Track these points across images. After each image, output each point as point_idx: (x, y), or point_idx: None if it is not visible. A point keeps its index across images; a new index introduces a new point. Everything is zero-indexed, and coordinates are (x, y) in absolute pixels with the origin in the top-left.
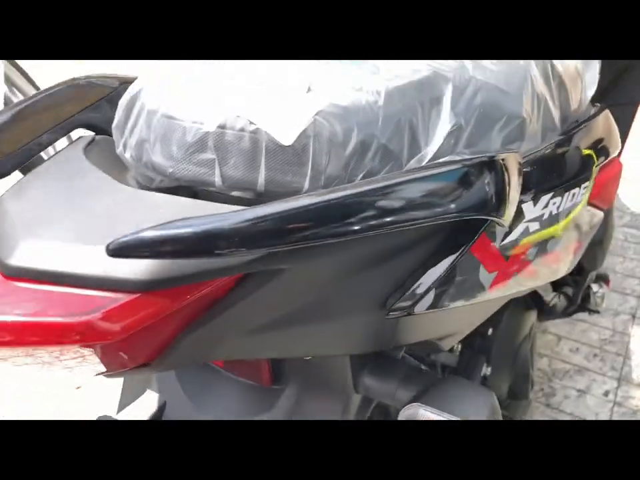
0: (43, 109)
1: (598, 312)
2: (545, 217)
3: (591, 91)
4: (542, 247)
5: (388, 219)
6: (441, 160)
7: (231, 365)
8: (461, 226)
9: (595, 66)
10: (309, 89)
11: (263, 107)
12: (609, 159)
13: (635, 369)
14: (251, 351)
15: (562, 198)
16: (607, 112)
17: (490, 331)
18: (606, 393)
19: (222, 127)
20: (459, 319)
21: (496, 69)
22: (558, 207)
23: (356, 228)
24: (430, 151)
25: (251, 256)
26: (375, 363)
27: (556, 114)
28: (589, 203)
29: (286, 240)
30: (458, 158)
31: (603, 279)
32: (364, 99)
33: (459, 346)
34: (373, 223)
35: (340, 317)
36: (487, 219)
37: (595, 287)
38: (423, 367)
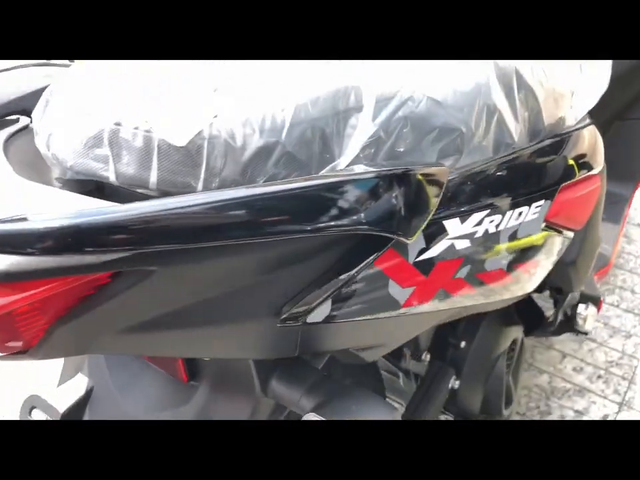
0: None
1: (585, 333)
2: (479, 235)
3: (590, 100)
4: (477, 265)
5: (263, 228)
6: (349, 169)
7: (152, 358)
8: (365, 239)
9: (599, 72)
10: (215, 90)
11: (162, 106)
12: (580, 177)
13: (639, 394)
14: (132, 347)
15: (502, 216)
16: (590, 128)
17: (463, 344)
18: (604, 417)
19: (118, 123)
20: (378, 331)
21: (442, 81)
22: (497, 226)
23: (225, 234)
24: (343, 161)
25: (113, 255)
26: (285, 369)
27: (516, 128)
28: (549, 222)
29: (131, 242)
30: (371, 169)
31: (592, 301)
32: (271, 105)
33: (428, 356)
34: (241, 231)
35: (226, 322)
36: (389, 236)
37: (580, 308)
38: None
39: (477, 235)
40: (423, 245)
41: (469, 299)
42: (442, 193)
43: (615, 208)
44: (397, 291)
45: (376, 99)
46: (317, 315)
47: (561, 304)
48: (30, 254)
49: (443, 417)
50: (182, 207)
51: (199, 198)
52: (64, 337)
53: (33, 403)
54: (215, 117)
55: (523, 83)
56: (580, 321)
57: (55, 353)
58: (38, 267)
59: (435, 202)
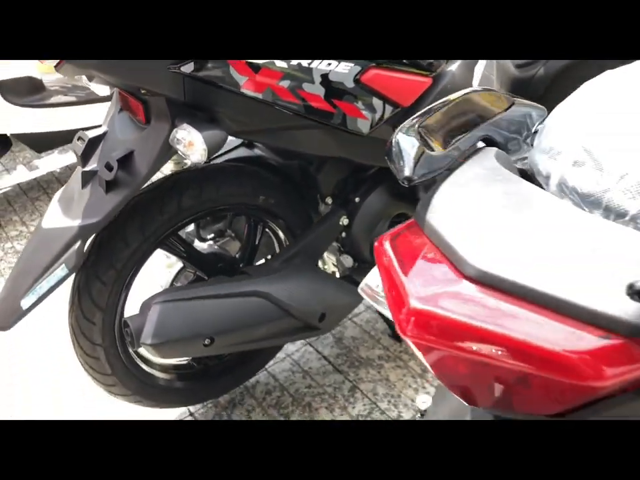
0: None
1: None
2: (294, 64)
3: None
4: (296, 83)
5: None
6: None
7: (126, 108)
8: None
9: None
10: None
11: None
12: (399, 68)
13: None
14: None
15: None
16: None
17: (357, 200)
18: None
19: None
20: (240, 106)
21: None
22: (309, 63)
23: None
24: None
25: None
26: (188, 114)
27: None
28: (365, 83)
29: None
30: None
31: None
32: None
33: (331, 200)
34: None
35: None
36: None
37: None
38: None
39: (293, 63)
40: None
41: (296, 108)
42: None
43: None
44: (236, 75)
45: None
46: (187, 68)
47: None
48: None
49: (342, 257)
50: None
51: None
52: None
53: (80, 135)
54: None
55: None
56: None
57: None
58: None
59: None
